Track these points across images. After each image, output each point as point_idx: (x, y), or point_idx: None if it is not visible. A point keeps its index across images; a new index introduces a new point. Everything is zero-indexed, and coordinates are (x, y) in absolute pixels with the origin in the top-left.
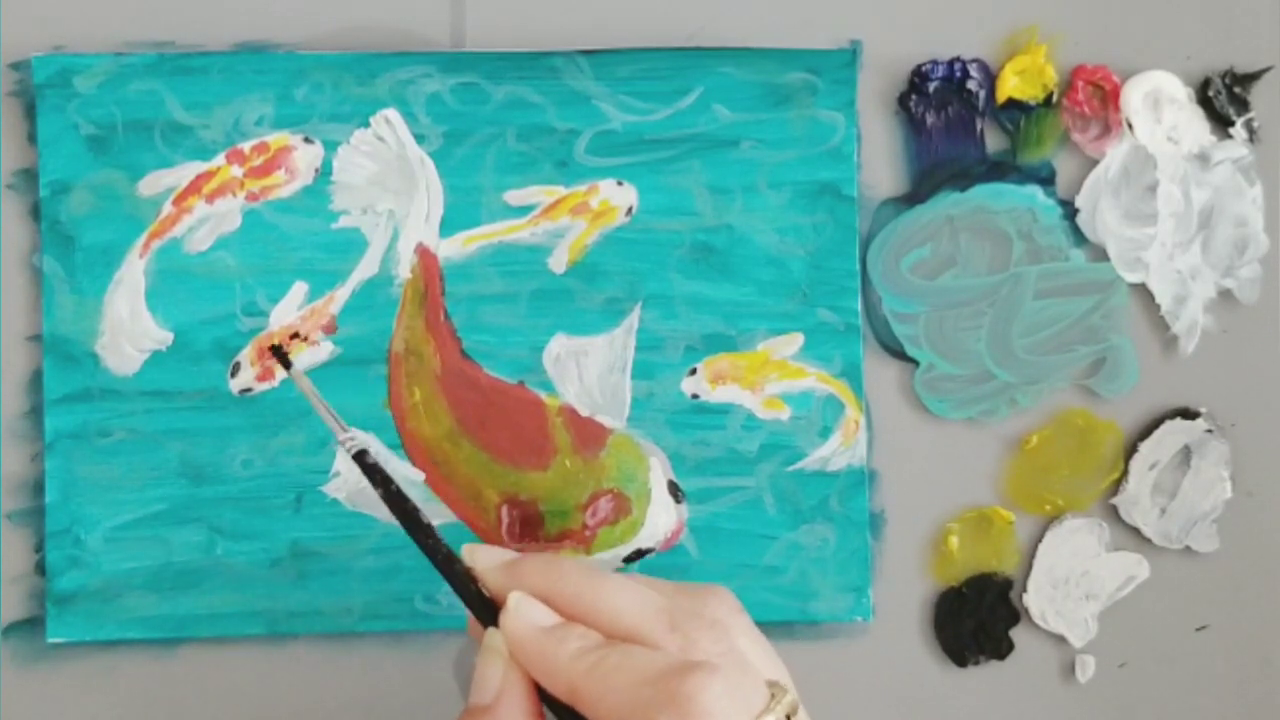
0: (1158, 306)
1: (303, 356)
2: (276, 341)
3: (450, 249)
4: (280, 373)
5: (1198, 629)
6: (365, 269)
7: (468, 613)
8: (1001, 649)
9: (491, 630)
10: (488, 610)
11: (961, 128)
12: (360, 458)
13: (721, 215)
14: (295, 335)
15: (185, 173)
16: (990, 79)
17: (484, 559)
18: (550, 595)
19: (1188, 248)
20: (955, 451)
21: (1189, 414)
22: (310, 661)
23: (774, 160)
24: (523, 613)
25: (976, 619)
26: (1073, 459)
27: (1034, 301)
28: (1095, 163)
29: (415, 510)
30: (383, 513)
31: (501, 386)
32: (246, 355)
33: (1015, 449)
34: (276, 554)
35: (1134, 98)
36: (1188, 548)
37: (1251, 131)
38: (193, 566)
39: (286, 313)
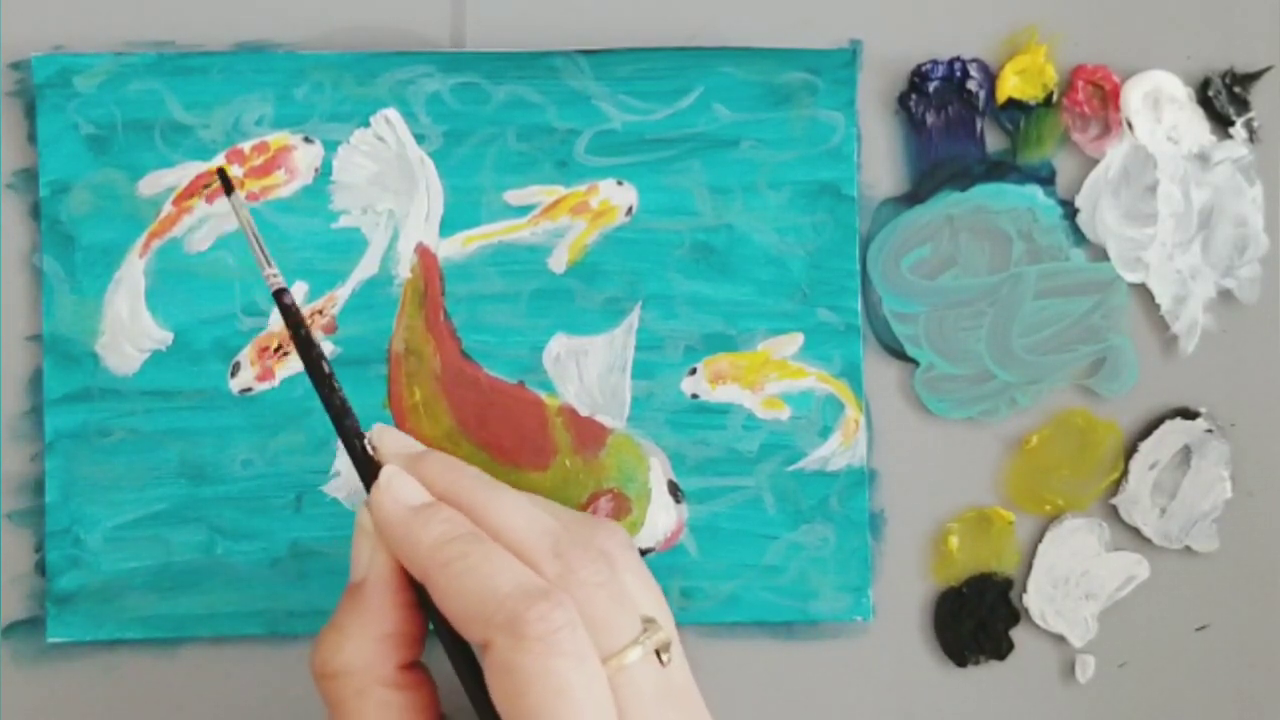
0: (1158, 306)
1: None
2: (222, 166)
3: (450, 249)
4: (280, 371)
5: (1198, 629)
6: (365, 269)
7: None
8: (1001, 649)
9: (361, 508)
10: (369, 476)
11: (961, 128)
12: (279, 296)
13: (721, 215)
14: None
15: (185, 173)
16: (990, 79)
17: (390, 444)
18: (446, 496)
19: (1188, 248)
20: (955, 451)
21: (1189, 414)
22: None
23: (774, 160)
24: (392, 488)
25: (976, 619)
26: (1073, 459)
27: (1034, 301)
28: (1095, 163)
29: (320, 358)
30: None
31: (501, 386)
32: (246, 355)
33: (1015, 449)
34: (276, 554)
35: (1134, 98)
36: (1188, 548)
37: (1251, 131)
38: (193, 566)
39: None
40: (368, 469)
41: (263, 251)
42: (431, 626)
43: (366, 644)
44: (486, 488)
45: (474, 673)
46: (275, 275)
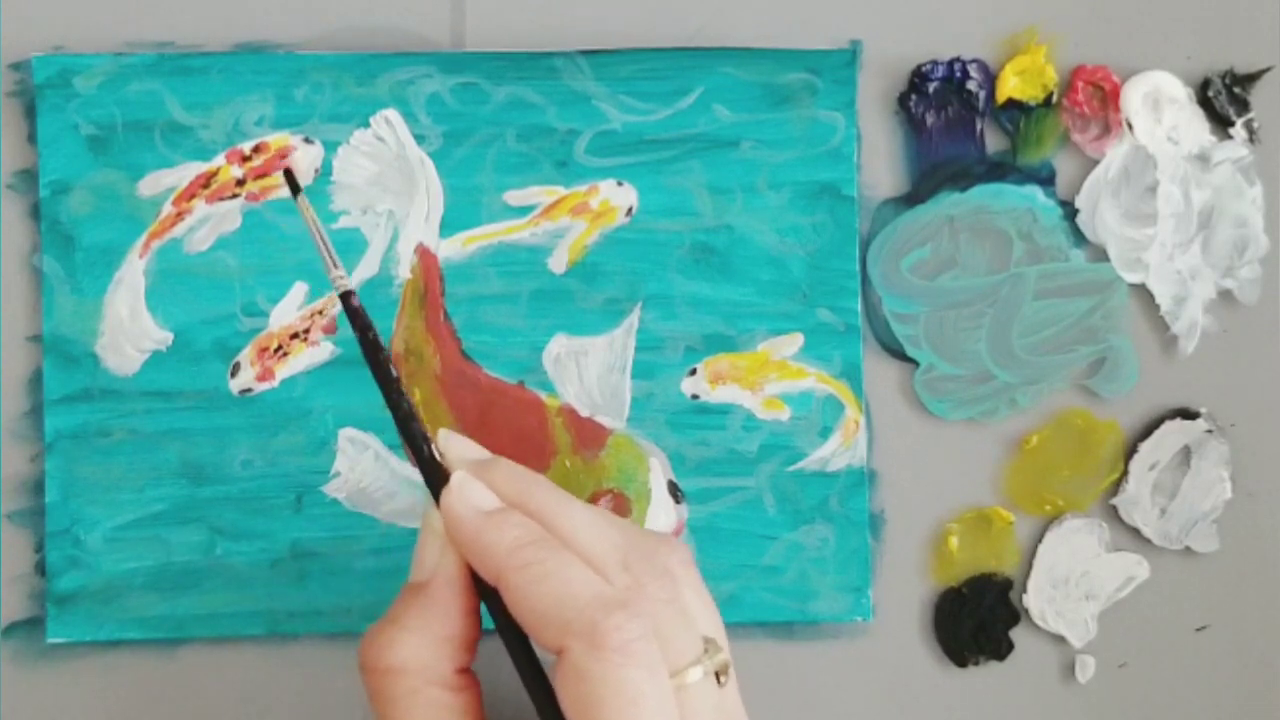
0: (1158, 306)
1: (302, 357)
2: (289, 166)
3: (450, 249)
4: (280, 371)
5: (1198, 629)
6: (365, 269)
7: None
8: (1001, 649)
9: (431, 510)
10: (436, 480)
11: (961, 128)
12: (346, 299)
13: (721, 215)
14: (296, 335)
15: (185, 173)
16: (990, 79)
17: (457, 449)
18: (515, 503)
19: (1188, 248)
20: (955, 451)
21: (1189, 414)
22: (310, 661)
23: (774, 160)
24: (465, 493)
25: (976, 619)
26: (1073, 459)
27: (1034, 302)
28: (1095, 163)
29: (387, 360)
30: (383, 512)
31: (501, 386)
32: (246, 355)
33: (1015, 449)
34: (276, 554)
35: (1134, 98)
36: (1188, 548)
37: (1251, 132)
38: (193, 566)
39: (286, 313)
40: (435, 474)
41: (330, 254)
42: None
43: (427, 643)
44: (556, 497)
45: (540, 679)
46: (342, 277)
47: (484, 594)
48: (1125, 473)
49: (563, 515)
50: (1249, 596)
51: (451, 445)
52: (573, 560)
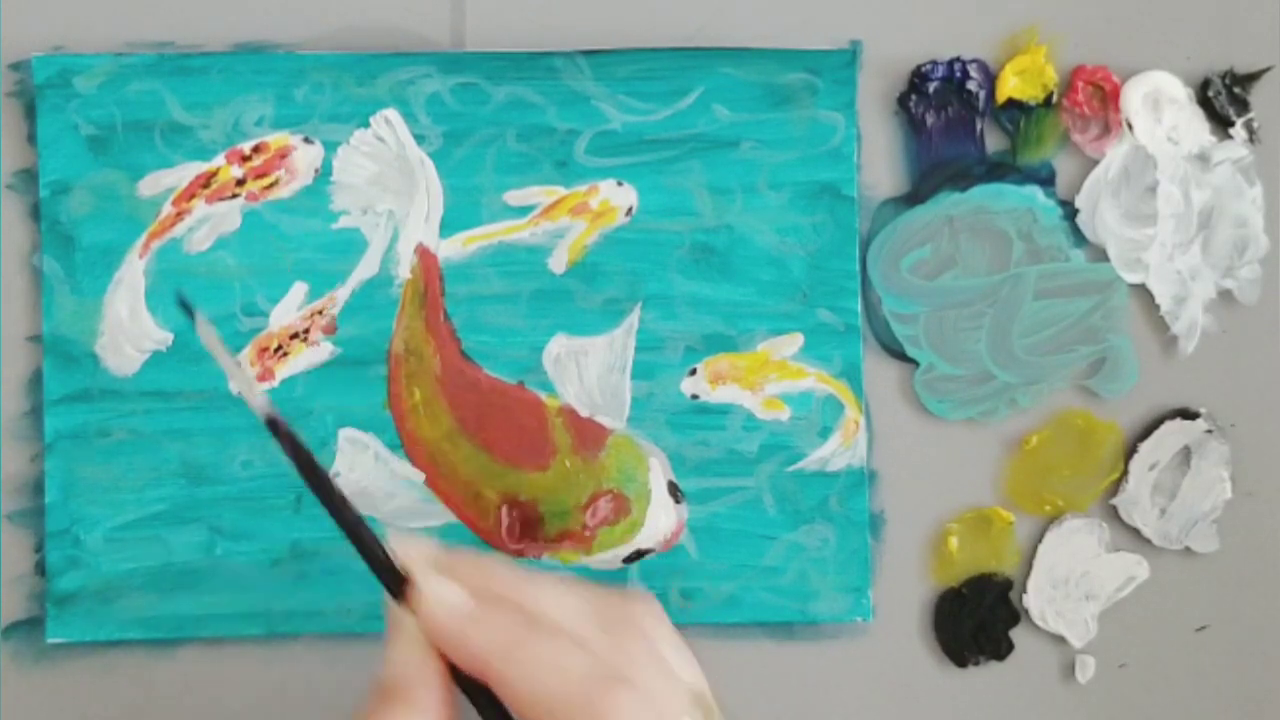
0: (1158, 307)
1: (302, 357)
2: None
3: (450, 249)
4: (280, 371)
5: (1198, 629)
6: (365, 269)
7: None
8: (1001, 649)
9: (400, 612)
10: (395, 581)
11: (961, 128)
12: (273, 426)
13: (721, 215)
14: (296, 335)
15: (185, 173)
16: (990, 79)
17: (411, 550)
18: (479, 592)
19: (1188, 248)
20: (955, 451)
21: (1189, 414)
22: (310, 661)
23: (774, 160)
24: (442, 597)
25: (976, 619)
26: (1073, 459)
27: (1034, 302)
28: (1095, 163)
29: (326, 477)
30: (383, 512)
31: (501, 387)
32: (246, 355)
33: (1015, 449)
34: (276, 554)
35: (1134, 98)
36: (1188, 548)
37: (1251, 132)
38: (193, 566)
39: (286, 313)
40: (393, 575)
41: (242, 375)
42: None
43: None
44: (517, 577)
45: None
46: (262, 395)
47: (467, 689)
48: (1125, 473)
49: (529, 595)
50: (1249, 596)
51: (405, 547)
52: (555, 639)
